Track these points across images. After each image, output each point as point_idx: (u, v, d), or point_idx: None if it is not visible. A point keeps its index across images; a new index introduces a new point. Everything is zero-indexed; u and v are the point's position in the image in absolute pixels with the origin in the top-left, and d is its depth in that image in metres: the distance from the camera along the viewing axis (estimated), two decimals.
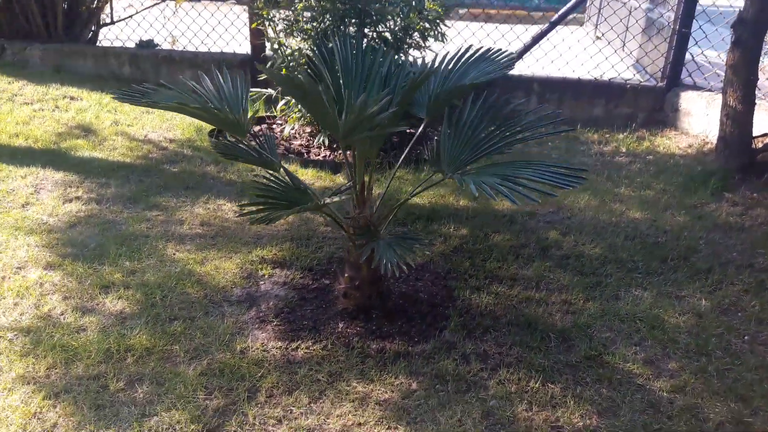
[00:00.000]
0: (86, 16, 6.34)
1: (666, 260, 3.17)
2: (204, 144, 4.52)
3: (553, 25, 5.60)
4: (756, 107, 4.05)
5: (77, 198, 3.60)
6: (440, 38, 4.47)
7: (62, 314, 2.61)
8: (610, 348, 2.54)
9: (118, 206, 3.53)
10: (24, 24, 6.19)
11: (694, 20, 5.03)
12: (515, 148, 2.45)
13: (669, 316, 2.74)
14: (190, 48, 6.11)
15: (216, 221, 3.42)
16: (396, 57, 4.42)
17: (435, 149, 2.47)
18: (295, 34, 4.32)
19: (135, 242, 3.16)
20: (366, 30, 4.17)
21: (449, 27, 4.46)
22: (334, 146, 4.40)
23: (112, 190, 3.73)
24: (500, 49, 2.68)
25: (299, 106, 4.45)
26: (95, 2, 6.35)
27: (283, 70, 4.39)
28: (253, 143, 2.54)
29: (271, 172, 2.40)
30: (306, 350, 2.46)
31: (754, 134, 4.15)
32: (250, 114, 4.78)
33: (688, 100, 5.04)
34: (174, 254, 3.08)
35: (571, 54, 5.68)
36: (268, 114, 5.02)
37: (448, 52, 2.67)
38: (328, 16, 4.11)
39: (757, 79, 3.99)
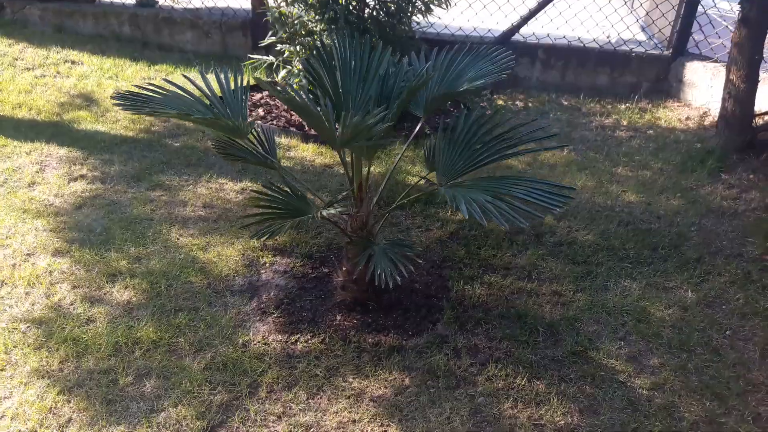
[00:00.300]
0: None
1: (657, 249, 3.24)
2: None
3: None
4: (760, 82, 4.02)
5: (82, 176, 3.67)
6: (444, 4, 4.41)
7: (72, 304, 2.73)
8: (596, 343, 2.65)
9: (122, 185, 3.60)
10: None
11: None
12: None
13: (655, 309, 2.84)
14: (191, 6, 6.02)
15: (218, 202, 3.49)
16: (401, 27, 4.38)
17: (430, 146, 2.52)
18: (296, 5, 4.27)
19: (139, 226, 3.25)
20: None
21: None
22: None
23: (116, 167, 3.79)
24: (500, 47, 2.68)
25: (300, 76, 4.44)
26: None
27: (284, 34, 4.37)
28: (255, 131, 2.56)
29: (270, 183, 2.44)
30: (305, 344, 2.59)
31: (756, 111, 4.15)
32: (252, 82, 4.77)
33: (693, 70, 4.99)
34: (178, 239, 3.17)
35: (576, 21, 5.57)
36: (270, 81, 5.00)
37: (447, 51, 2.67)
38: None
39: (762, 58, 3.95)
